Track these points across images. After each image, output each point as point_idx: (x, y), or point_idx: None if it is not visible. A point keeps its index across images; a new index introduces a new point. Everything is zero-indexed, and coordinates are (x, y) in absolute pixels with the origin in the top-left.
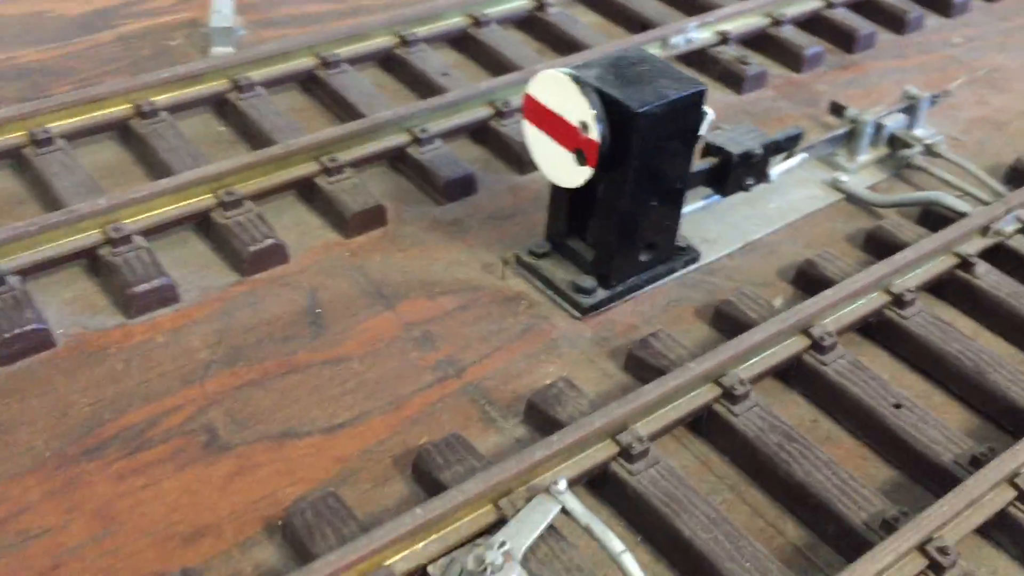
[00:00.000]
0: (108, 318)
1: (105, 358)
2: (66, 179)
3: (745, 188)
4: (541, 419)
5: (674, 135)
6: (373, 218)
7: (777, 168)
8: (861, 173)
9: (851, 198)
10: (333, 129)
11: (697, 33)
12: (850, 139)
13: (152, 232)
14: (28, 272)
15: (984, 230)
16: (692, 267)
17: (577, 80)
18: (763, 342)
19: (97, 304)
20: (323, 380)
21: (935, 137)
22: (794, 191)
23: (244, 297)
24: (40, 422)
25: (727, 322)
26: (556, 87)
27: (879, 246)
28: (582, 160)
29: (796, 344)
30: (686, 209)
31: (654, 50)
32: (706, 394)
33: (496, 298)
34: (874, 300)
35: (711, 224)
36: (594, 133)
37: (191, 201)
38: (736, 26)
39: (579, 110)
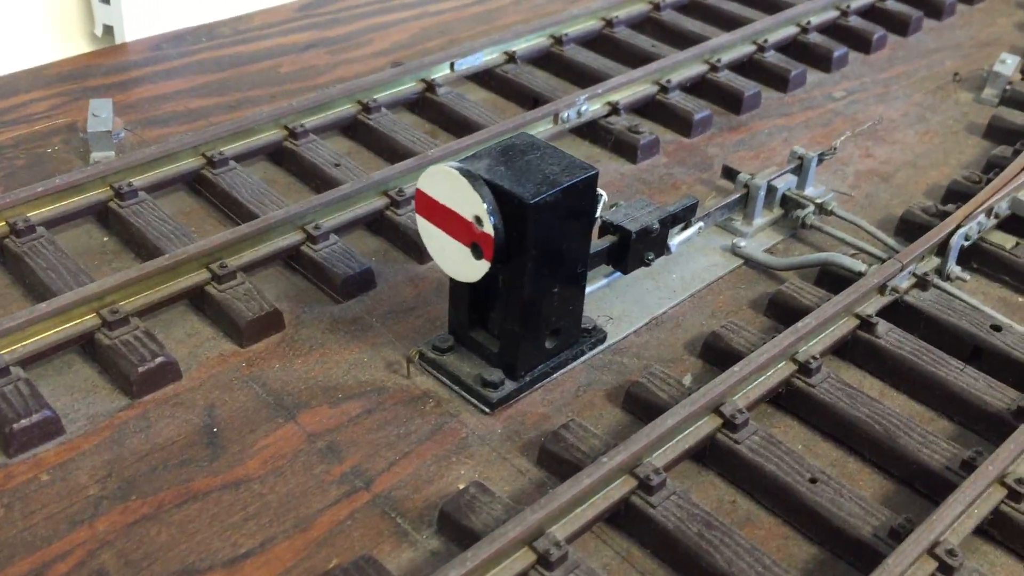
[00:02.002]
0: None
1: None
2: None
3: (646, 263)
4: (455, 529)
5: (570, 221)
6: (269, 324)
7: (676, 239)
8: (758, 236)
9: (750, 263)
10: (221, 234)
11: (588, 105)
12: (744, 203)
13: (31, 361)
14: None
15: (882, 288)
16: (600, 348)
17: (467, 174)
18: (676, 427)
19: None
20: (223, 507)
21: (825, 195)
22: (695, 260)
23: (135, 422)
24: None
25: (638, 405)
26: (447, 182)
27: (781, 311)
28: (479, 254)
29: (708, 424)
30: (589, 289)
31: (546, 125)
32: (621, 487)
33: (402, 399)
34: (781, 370)
35: (615, 301)
36: (488, 227)
37: (73, 323)
38: (625, 96)
39: (471, 204)
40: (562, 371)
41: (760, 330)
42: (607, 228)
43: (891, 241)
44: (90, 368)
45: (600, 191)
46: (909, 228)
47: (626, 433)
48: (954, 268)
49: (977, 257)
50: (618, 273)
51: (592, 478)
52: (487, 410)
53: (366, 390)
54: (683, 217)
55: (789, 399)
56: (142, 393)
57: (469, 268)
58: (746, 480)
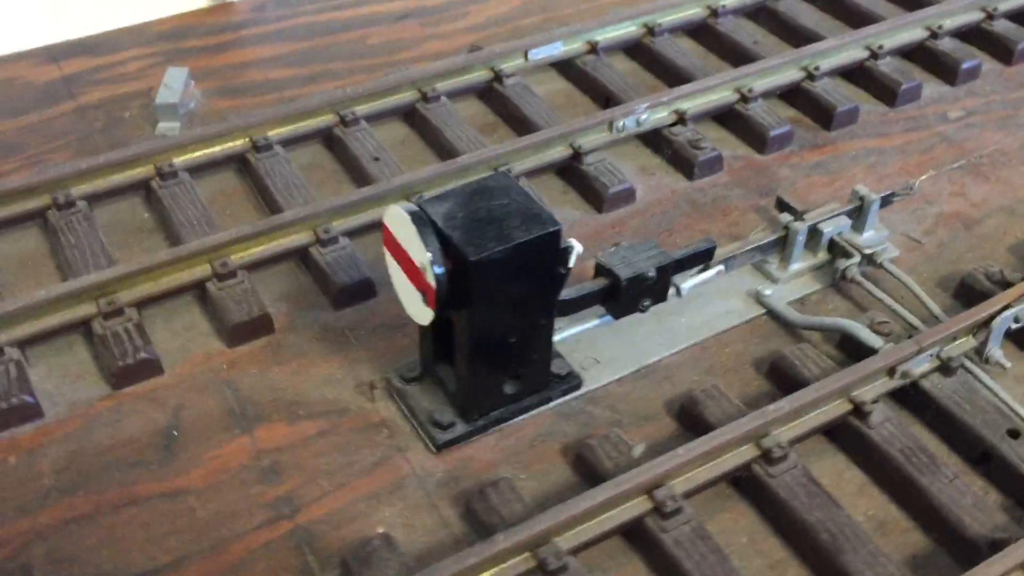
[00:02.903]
0: None
1: None
2: None
3: (641, 310)
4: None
5: (525, 277)
6: (257, 327)
7: (688, 282)
8: (792, 284)
9: (772, 314)
10: (229, 232)
11: (648, 114)
12: (783, 245)
13: (32, 341)
14: None
15: (891, 371)
16: (573, 395)
17: (418, 220)
18: (598, 507)
19: None
20: (156, 516)
21: (881, 244)
22: (712, 304)
23: (108, 414)
24: None
25: (585, 468)
26: (402, 223)
27: (779, 378)
28: (425, 300)
29: (638, 507)
30: (577, 329)
31: (601, 133)
32: (518, 566)
33: (359, 424)
34: (741, 454)
35: (609, 342)
36: (430, 278)
37: (72, 309)
38: (697, 104)
39: (419, 252)
40: (524, 416)
41: (754, 396)
42: (600, 270)
43: (937, 310)
44: (87, 353)
45: (572, 243)
46: (968, 293)
47: (563, 497)
48: (995, 352)
49: None
50: (606, 318)
51: (481, 557)
52: (434, 450)
53: (328, 410)
54: (691, 264)
55: (746, 485)
56: (121, 385)
57: (420, 311)
58: (665, 567)
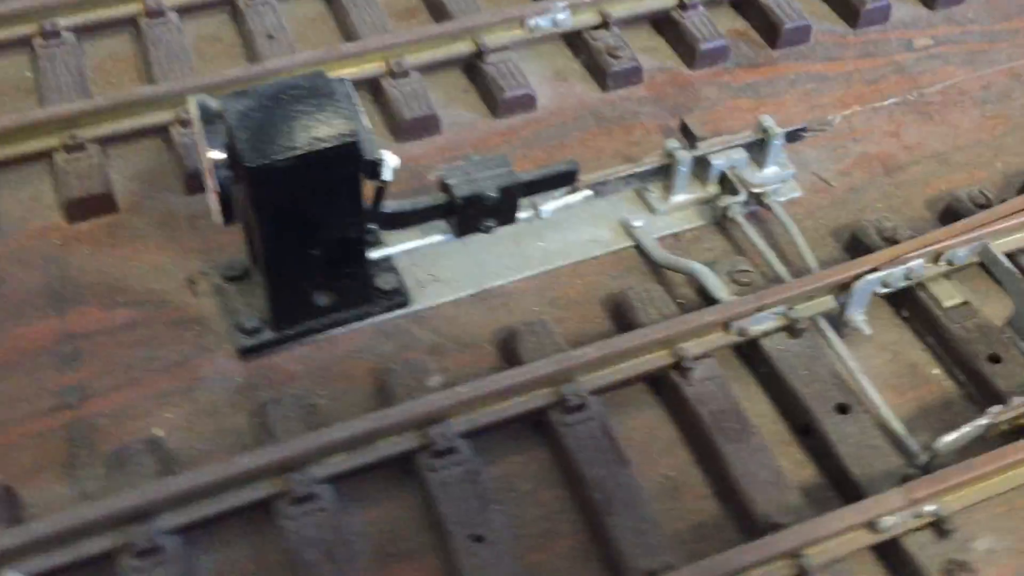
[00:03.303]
0: None
1: None
2: None
3: (483, 230)
4: (112, 481)
5: (320, 189)
6: (98, 205)
7: (550, 204)
8: (672, 217)
9: (639, 248)
10: (81, 103)
11: (567, 14)
12: (666, 174)
13: None
14: None
15: (726, 325)
16: (400, 312)
17: (206, 116)
18: (362, 436)
19: None
20: None
21: (776, 183)
22: (577, 230)
23: None
24: None
25: (381, 394)
26: (196, 117)
27: (620, 318)
28: (216, 202)
29: (408, 442)
30: (420, 243)
31: (512, 31)
32: (261, 490)
33: (172, 319)
34: (541, 397)
35: (455, 260)
36: (212, 181)
37: None
38: (625, 7)
39: (205, 151)
40: (341, 330)
41: (590, 334)
42: (441, 185)
43: (813, 262)
44: None
45: (385, 155)
46: (856, 247)
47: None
48: (856, 317)
49: (911, 306)
50: (447, 236)
51: (228, 473)
52: (238, 355)
53: (147, 300)
54: (545, 187)
55: (542, 430)
56: None
57: (215, 211)
58: (425, 513)
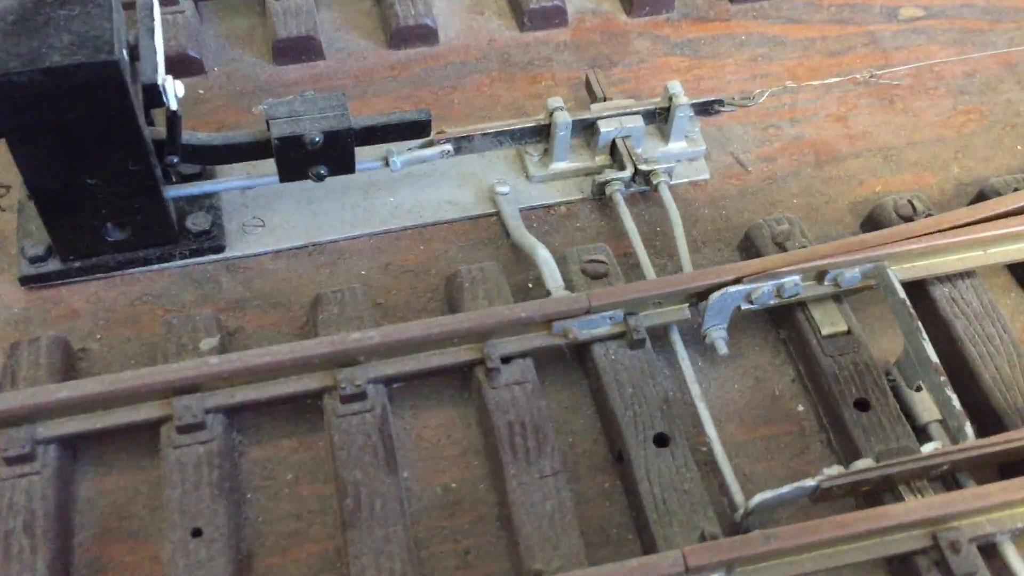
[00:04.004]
0: None
1: None
2: None
3: (315, 177)
4: None
5: (75, 111)
6: None
7: (403, 156)
8: (549, 185)
9: (500, 217)
10: None
11: None
12: (548, 137)
13: None
14: None
15: (548, 324)
16: (214, 257)
17: None
18: (92, 400)
19: None
20: None
21: (675, 162)
22: (436, 189)
23: None
24: None
25: (155, 347)
26: None
27: (448, 297)
28: None
29: (153, 410)
30: (224, 186)
31: None
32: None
33: None
34: (317, 380)
35: (291, 206)
36: None
37: None
38: None
39: None
40: (142, 269)
41: (416, 310)
42: (267, 122)
43: (686, 260)
44: None
45: (166, 80)
46: (748, 248)
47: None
48: (713, 332)
49: (789, 328)
50: (272, 179)
51: None
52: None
53: None
54: (389, 136)
55: (314, 417)
56: None
57: None
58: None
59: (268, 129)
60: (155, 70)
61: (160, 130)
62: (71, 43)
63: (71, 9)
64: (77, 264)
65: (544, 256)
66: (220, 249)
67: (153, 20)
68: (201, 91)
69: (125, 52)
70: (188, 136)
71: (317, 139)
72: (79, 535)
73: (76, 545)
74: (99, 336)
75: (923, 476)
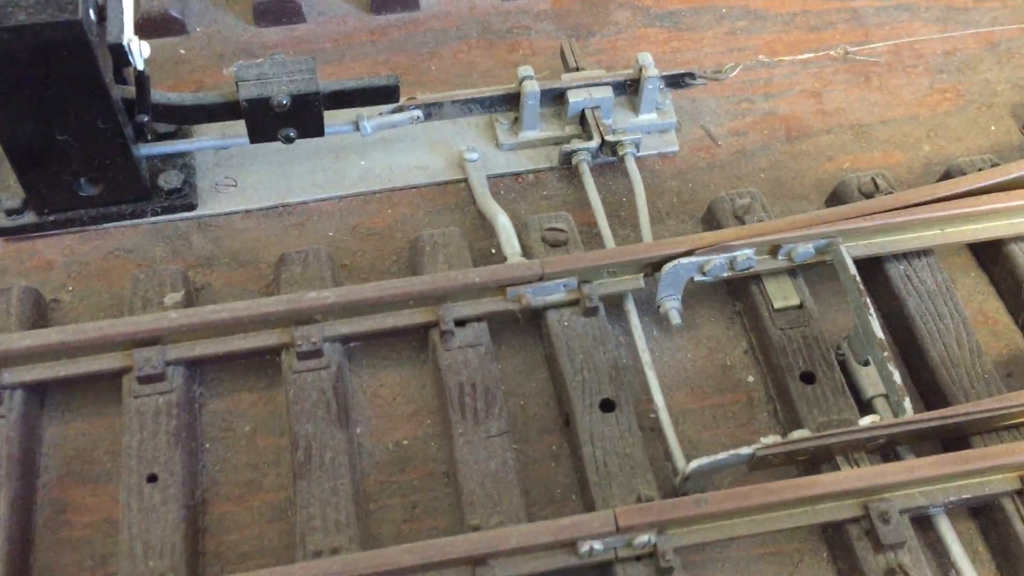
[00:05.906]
0: None
1: None
2: None
3: (284, 139)
4: None
5: (40, 69)
6: None
7: (373, 121)
8: (518, 154)
9: (468, 184)
10: None
11: None
12: (518, 105)
13: None
14: None
15: (503, 289)
16: (186, 215)
17: None
18: (54, 349)
19: None
20: None
21: (643, 133)
22: (407, 154)
23: None
24: None
25: (120, 301)
26: None
27: (409, 262)
28: None
29: (114, 361)
30: (196, 145)
31: None
32: None
33: None
34: (275, 336)
35: (263, 167)
36: None
37: None
38: None
39: None
40: (115, 224)
41: (379, 273)
42: (236, 83)
43: (647, 231)
44: None
45: (130, 40)
46: (710, 221)
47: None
48: (667, 302)
49: (744, 300)
50: (243, 140)
51: None
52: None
53: None
54: (356, 101)
55: (271, 372)
56: None
57: None
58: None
59: (237, 91)
60: (121, 30)
61: (131, 89)
62: (37, 2)
63: None
64: (52, 218)
65: (504, 223)
66: (192, 207)
67: None
68: (183, 51)
69: (92, 12)
70: (159, 96)
71: (284, 101)
72: (43, 477)
73: (40, 486)
74: (71, 288)
75: (860, 448)
